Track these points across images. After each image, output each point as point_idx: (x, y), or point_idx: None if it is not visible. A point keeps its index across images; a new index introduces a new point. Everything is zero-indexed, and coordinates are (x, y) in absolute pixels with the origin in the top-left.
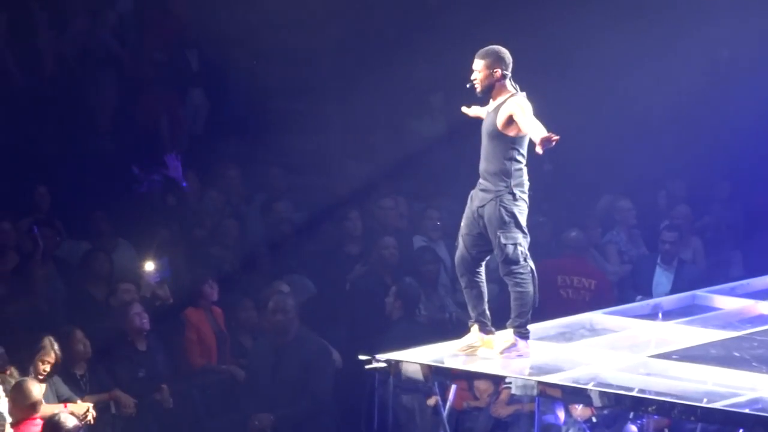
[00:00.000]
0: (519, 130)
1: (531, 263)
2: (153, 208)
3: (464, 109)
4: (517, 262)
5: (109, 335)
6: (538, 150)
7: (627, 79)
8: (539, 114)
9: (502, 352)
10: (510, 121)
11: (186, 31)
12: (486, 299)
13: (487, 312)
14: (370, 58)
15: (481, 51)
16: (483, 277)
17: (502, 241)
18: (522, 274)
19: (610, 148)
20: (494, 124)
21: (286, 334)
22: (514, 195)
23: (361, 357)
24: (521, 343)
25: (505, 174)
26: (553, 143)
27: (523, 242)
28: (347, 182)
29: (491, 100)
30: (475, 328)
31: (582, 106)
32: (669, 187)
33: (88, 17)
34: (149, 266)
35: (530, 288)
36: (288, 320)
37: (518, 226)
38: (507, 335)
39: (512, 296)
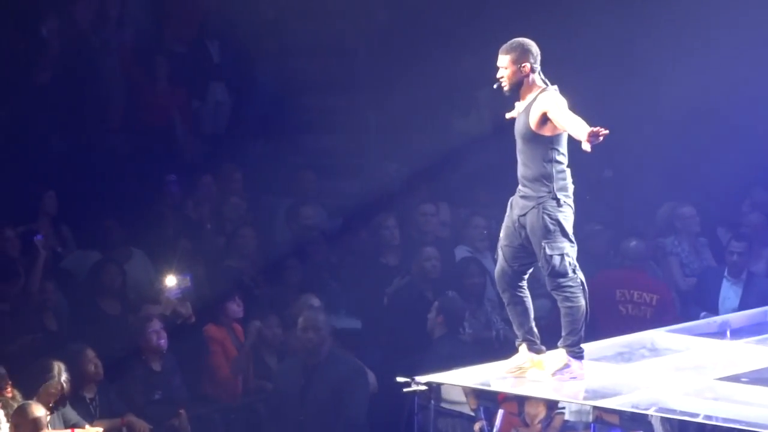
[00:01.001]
0: (555, 128)
1: (581, 275)
2: (170, 214)
3: (509, 115)
4: (565, 275)
5: (121, 354)
6: (586, 147)
7: (701, 76)
8: (596, 115)
9: (554, 374)
10: (544, 119)
11: (207, 20)
12: (532, 315)
13: (535, 329)
14: (410, 50)
15: (505, 46)
16: (526, 291)
17: (548, 252)
18: (572, 287)
19: (678, 152)
20: (527, 125)
21: (317, 353)
22: (557, 200)
23: (399, 379)
24: (575, 363)
25: (546, 178)
26: (601, 138)
27: (571, 252)
28: (384, 186)
29: (520, 99)
30: (523, 347)
31: (647, 103)
32: (753, 195)
33: (96, 4)
34: (171, 281)
35: (581, 302)
36: (320, 338)
37: (564, 234)
38: (559, 355)
39: (562, 312)
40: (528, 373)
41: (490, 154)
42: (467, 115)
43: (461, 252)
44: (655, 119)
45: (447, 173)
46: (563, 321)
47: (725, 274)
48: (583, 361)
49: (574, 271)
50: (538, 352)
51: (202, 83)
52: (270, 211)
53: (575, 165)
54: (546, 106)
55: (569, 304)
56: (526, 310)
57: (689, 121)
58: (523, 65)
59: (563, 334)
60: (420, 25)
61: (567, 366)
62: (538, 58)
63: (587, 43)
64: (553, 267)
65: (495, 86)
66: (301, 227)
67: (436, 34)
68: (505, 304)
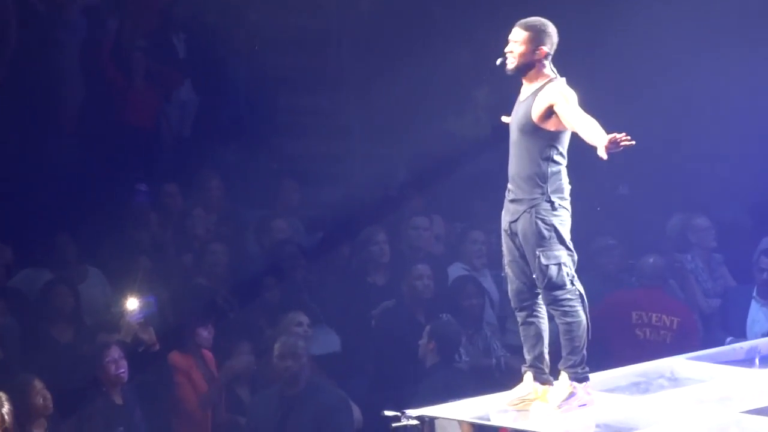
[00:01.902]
0: (559, 123)
1: (579, 286)
2: (132, 229)
3: (505, 118)
4: (562, 287)
5: (75, 386)
6: (602, 154)
7: (719, 79)
8: (609, 123)
9: (560, 406)
10: (549, 112)
11: (171, 10)
12: (546, 341)
13: (546, 357)
14: (398, 44)
15: (525, 21)
16: (544, 312)
17: (543, 261)
18: (570, 300)
19: (696, 161)
20: (528, 116)
21: (295, 383)
22: (552, 203)
23: (387, 413)
24: (580, 389)
25: (540, 178)
26: (622, 147)
27: (568, 261)
28: (371, 196)
29: (525, 83)
30: (528, 376)
31: (663, 109)
32: None
33: None
34: (132, 304)
35: (581, 316)
36: (299, 367)
37: (561, 241)
38: (563, 384)
39: (561, 330)
40: (532, 406)
41: (488, 160)
42: (462, 116)
43: (457, 270)
44: (669, 127)
45: (440, 182)
46: (563, 340)
47: (754, 294)
48: (588, 382)
49: (572, 282)
50: (544, 383)
51: (166, 82)
52: (242, 223)
53: (586, 178)
54: (554, 98)
55: (568, 319)
56: (539, 333)
57: (704, 128)
58: (539, 48)
59: (564, 354)
60: (409, 17)
61: (573, 395)
62: (555, 46)
63: (598, 43)
64: (550, 278)
65: (498, 61)
66: (272, 242)
67: (427, 26)
68: (519, 324)
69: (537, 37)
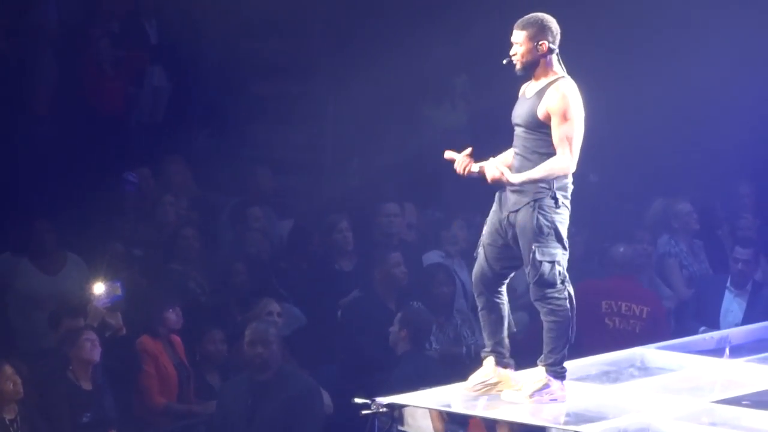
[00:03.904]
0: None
1: (570, 288)
2: (114, 217)
3: (448, 154)
4: (553, 285)
5: (46, 371)
6: (508, 179)
7: (688, 70)
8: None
9: (531, 395)
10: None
11: None
12: (506, 325)
13: (507, 341)
14: (375, 31)
15: (522, 20)
16: (505, 298)
17: (538, 257)
18: (558, 299)
19: (662, 147)
20: (534, 115)
21: (265, 370)
22: (556, 200)
23: (357, 400)
24: (555, 384)
25: None
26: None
27: (563, 260)
28: (344, 184)
29: (532, 80)
30: (489, 360)
31: (631, 100)
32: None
33: None
34: (98, 288)
35: (568, 316)
36: (269, 354)
37: (559, 239)
38: (538, 374)
39: (545, 327)
40: (503, 394)
41: (464, 148)
42: (440, 104)
43: (433, 258)
44: (639, 116)
45: (417, 170)
46: (546, 337)
47: (728, 284)
48: (564, 381)
49: (563, 283)
50: (506, 366)
51: (138, 67)
52: (214, 210)
53: None
54: (553, 108)
55: (554, 318)
56: (501, 318)
57: (676, 117)
58: (540, 43)
59: (545, 351)
60: (387, 2)
61: (546, 386)
62: (558, 37)
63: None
64: (541, 275)
65: (505, 62)
66: (248, 230)
67: (406, 12)
68: (479, 308)
69: (536, 33)
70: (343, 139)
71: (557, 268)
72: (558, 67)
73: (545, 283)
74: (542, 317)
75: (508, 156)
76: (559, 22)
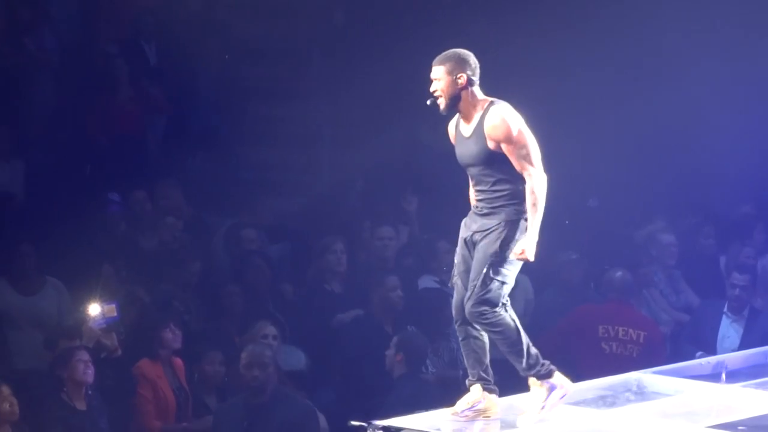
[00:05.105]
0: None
1: (512, 313)
2: (100, 238)
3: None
4: (495, 305)
5: (39, 391)
6: None
7: (687, 87)
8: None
9: (542, 408)
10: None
11: (142, 18)
12: (488, 351)
13: (490, 369)
14: (369, 54)
15: (439, 57)
16: None
17: (491, 274)
18: (497, 315)
19: (662, 171)
20: (484, 149)
21: (262, 393)
22: (526, 222)
23: (353, 423)
24: (551, 384)
25: (516, 197)
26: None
27: (510, 284)
28: (338, 205)
29: (461, 119)
30: (477, 387)
31: (635, 120)
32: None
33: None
34: (94, 309)
35: (509, 321)
36: (265, 376)
37: (512, 262)
38: (535, 389)
39: (498, 344)
40: (519, 421)
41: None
42: (435, 128)
43: (427, 282)
44: (638, 140)
45: (410, 193)
46: (505, 351)
47: (725, 309)
48: (555, 373)
49: (503, 306)
50: (491, 392)
51: (136, 89)
52: (209, 232)
53: (555, 190)
54: (499, 134)
55: (497, 329)
56: (483, 345)
57: (677, 140)
58: (458, 75)
59: (516, 363)
60: (380, 26)
61: (551, 390)
62: (477, 70)
63: (572, 62)
64: (487, 292)
65: (429, 102)
66: (241, 252)
67: (399, 37)
68: (460, 338)
69: (454, 67)
70: (338, 161)
71: (504, 290)
72: (482, 96)
73: (487, 302)
74: (490, 337)
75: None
76: (562, 46)
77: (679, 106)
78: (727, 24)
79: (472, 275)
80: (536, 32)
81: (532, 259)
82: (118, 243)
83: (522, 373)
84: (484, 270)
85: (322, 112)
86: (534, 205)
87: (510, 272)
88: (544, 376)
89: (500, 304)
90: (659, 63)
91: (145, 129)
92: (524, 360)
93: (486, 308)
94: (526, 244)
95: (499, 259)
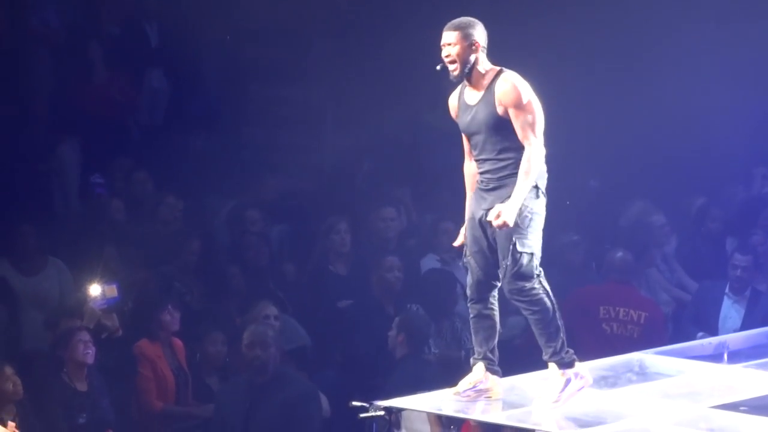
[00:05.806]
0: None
1: (546, 284)
2: (98, 219)
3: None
4: (530, 278)
5: (40, 372)
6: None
7: (688, 75)
8: (583, 121)
9: (558, 398)
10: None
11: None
12: (497, 335)
13: (496, 350)
14: (373, 35)
15: (451, 23)
16: (497, 305)
17: (518, 248)
18: (535, 289)
19: (663, 151)
20: (494, 115)
21: (263, 373)
22: (537, 189)
23: (355, 403)
24: (572, 374)
25: (519, 165)
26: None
27: (538, 254)
28: (341, 186)
29: (466, 86)
30: (480, 366)
31: (633, 104)
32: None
33: None
34: (95, 290)
35: (548, 303)
36: (267, 356)
37: (537, 230)
38: (554, 375)
39: (531, 321)
40: (534, 406)
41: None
42: (435, 108)
43: (430, 262)
44: (641, 120)
45: (415, 173)
46: (536, 331)
47: (726, 290)
48: (577, 363)
49: (538, 277)
50: (494, 374)
51: (138, 70)
52: (212, 212)
53: (555, 172)
54: (509, 99)
55: (536, 308)
56: (494, 325)
57: (679, 120)
58: (474, 41)
59: (542, 344)
60: (384, 7)
61: (568, 381)
62: (486, 38)
63: (573, 46)
64: (520, 266)
65: (438, 67)
66: (244, 233)
67: (402, 17)
68: (471, 316)
69: (469, 32)
70: (341, 142)
71: (535, 261)
72: (490, 65)
73: (522, 276)
74: (525, 313)
75: (472, 167)
76: (564, 31)
77: (687, 87)
78: None
79: (500, 255)
80: (538, 11)
81: (511, 224)
82: (120, 224)
83: (546, 358)
84: (511, 246)
85: (324, 92)
86: (526, 173)
87: (535, 242)
88: (567, 364)
89: (534, 276)
90: (666, 42)
91: (147, 109)
92: (552, 344)
93: (523, 283)
94: (504, 208)
95: (522, 232)
